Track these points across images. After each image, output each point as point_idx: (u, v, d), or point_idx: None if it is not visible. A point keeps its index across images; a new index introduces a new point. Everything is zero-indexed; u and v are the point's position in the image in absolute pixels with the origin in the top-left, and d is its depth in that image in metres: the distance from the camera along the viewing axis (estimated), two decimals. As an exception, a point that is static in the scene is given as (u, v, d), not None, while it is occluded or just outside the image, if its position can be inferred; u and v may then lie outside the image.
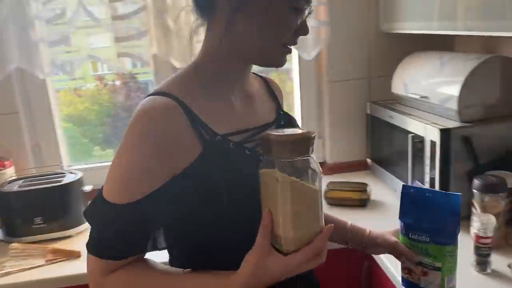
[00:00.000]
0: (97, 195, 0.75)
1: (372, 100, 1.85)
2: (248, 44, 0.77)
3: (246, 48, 0.77)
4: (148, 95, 0.77)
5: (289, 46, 0.79)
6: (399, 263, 0.96)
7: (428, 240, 0.87)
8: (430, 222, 0.87)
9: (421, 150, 1.42)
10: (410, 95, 1.59)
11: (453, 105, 1.36)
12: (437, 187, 1.36)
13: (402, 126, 1.54)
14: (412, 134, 1.44)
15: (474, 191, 1.23)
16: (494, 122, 1.37)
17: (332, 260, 0.89)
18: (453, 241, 0.87)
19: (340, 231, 1.01)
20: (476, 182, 1.23)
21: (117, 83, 1.97)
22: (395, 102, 1.73)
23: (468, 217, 1.29)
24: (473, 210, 1.25)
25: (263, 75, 1.00)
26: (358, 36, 1.82)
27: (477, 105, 1.36)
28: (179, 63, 1.61)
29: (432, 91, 1.48)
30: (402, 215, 0.92)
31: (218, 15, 0.76)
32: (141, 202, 0.71)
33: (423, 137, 1.40)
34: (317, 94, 1.91)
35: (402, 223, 0.92)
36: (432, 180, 1.38)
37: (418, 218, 0.89)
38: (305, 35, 0.79)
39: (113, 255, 0.73)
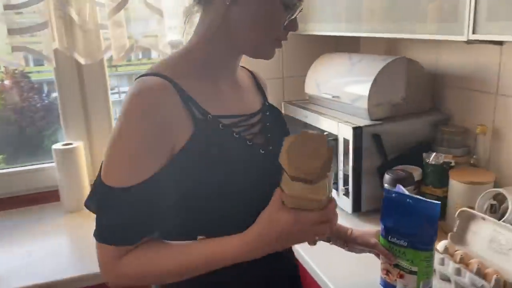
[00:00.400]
0: (97, 183, 0.74)
1: (286, 100, 1.89)
2: (241, 35, 0.80)
3: (239, 39, 0.80)
4: (138, 77, 0.77)
5: (279, 41, 0.82)
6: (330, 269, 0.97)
7: (406, 245, 0.90)
8: (408, 228, 0.89)
9: (335, 147, 1.47)
10: (322, 95, 1.64)
11: (363, 104, 1.42)
12: (350, 183, 1.42)
13: (317, 125, 1.58)
14: (327, 133, 1.49)
15: (386, 185, 1.30)
16: (399, 120, 1.46)
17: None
18: (430, 247, 0.91)
19: None
20: (387, 176, 1.30)
21: (6, 82, 1.77)
22: (309, 102, 1.78)
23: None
24: (384, 203, 1.32)
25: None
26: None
27: (384, 104, 1.44)
28: (84, 59, 1.49)
29: (343, 91, 1.54)
30: (383, 218, 0.94)
31: (214, 5, 0.79)
32: (149, 182, 0.71)
33: (336, 135, 1.45)
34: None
35: (383, 226, 0.94)
36: (345, 176, 1.44)
37: (398, 222, 0.91)
38: (294, 31, 0.82)
39: (128, 240, 0.73)
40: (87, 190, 1.64)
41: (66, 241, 1.48)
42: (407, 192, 1.10)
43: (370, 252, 1.01)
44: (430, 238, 0.92)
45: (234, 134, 0.81)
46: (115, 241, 0.73)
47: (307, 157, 0.65)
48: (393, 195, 1.00)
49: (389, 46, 1.80)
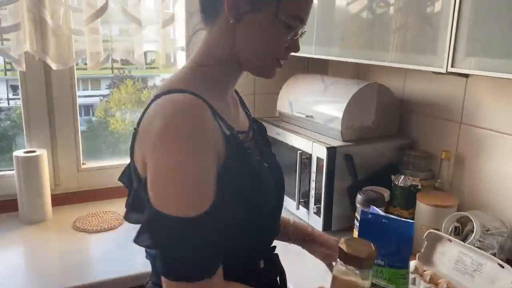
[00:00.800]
0: (153, 215, 0.69)
1: (257, 116, 1.90)
2: (245, 54, 0.81)
3: (243, 57, 0.82)
4: (161, 94, 0.74)
5: (280, 61, 0.84)
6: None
7: (383, 264, 0.92)
8: (385, 247, 0.91)
9: (307, 166, 1.50)
10: (295, 113, 1.68)
11: (337, 125, 1.47)
12: (322, 201, 1.45)
13: (289, 143, 1.60)
14: (300, 151, 1.52)
15: (358, 205, 1.34)
16: (369, 142, 1.52)
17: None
18: (406, 265, 0.94)
19: (283, 227, 1.06)
20: (359, 197, 1.34)
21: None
22: (280, 119, 1.81)
23: (350, 229, 1.41)
24: (356, 222, 1.36)
25: None
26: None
27: (356, 126, 1.49)
28: (56, 65, 1.43)
29: (316, 111, 1.58)
30: (360, 237, 0.95)
31: (220, 23, 0.80)
32: (214, 205, 0.69)
33: (310, 154, 1.49)
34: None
35: None
36: (317, 195, 1.47)
37: (374, 241, 0.93)
38: (296, 52, 0.85)
39: (205, 273, 0.69)
40: (48, 201, 1.57)
41: (23, 256, 1.39)
42: (382, 213, 1.14)
43: (325, 256, 1.06)
44: (407, 256, 0.96)
45: (248, 150, 0.83)
46: (192, 276, 0.68)
47: (360, 246, 0.79)
48: (369, 216, 1.03)
49: (357, 70, 1.88)
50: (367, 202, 1.33)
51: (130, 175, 0.84)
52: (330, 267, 1.10)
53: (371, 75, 1.80)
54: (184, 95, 0.72)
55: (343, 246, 0.80)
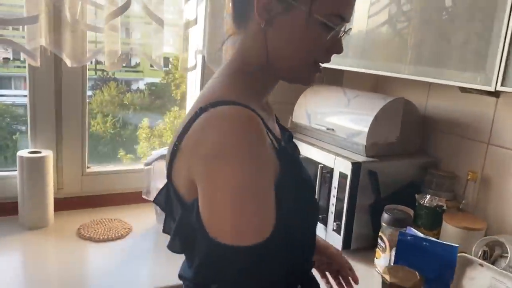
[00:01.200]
0: (212, 247, 0.61)
1: (270, 126, 1.84)
2: (278, 60, 0.75)
3: (276, 63, 0.75)
4: (207, 107, 0.66)
5: (320, 65, 0.76)
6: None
7: None
8: (425, 271, 0.86)
9: (328, 180, 1.44)
10: (314, 126, 1.62)
11: (361, 140, 1.42)
12: (343, 218, 1.39)
13: (307, 155, 1.55)
14: (321, 165, 1.46)
15: (383, 224, 1.29)
16: (392, 159, 1.47)
17: None
18: None
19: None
20: (385, 215, 1.29)
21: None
22: (295, 130, 1.75)
23: (371, 247, 1.35)
24: (380, 242, 1.30)
25: None
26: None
27: (381, 142, 1.45)
28: (71, 61, 1.35)
29: (338, 124, 1.52)
30: (398, 262, 0.90)
31: (251, 28, 0.75)
32: (277, 226, 0.63)
33: (332, 168, 1.43)
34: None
35: None
36: (337, 212, 1.41)
37: (413, 265, 0.88)
38: (338, 53, 0.75)
39: None
40: (51, 205, 1.47)
41: (22, 265, 1.27)
42: (420, 234, 1.09)
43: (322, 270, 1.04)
44: (448, 282, 0.91)
45: (299, 162, 0.80)
46: None
47: (405, 274, 0.79)
48: (408, 238, 0.98)
49: (376, 82, 1.84)
50: (395, 222, 1.28)
51: (168, 197, 0.76)
52: (324, 277, 1.06)
53: (391, 89, 1.76)
54: (236, 108, 0.66)
55: (386, 276, 0.77)
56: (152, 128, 1.87)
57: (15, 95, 2.27)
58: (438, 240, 0.95)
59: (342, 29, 0.75)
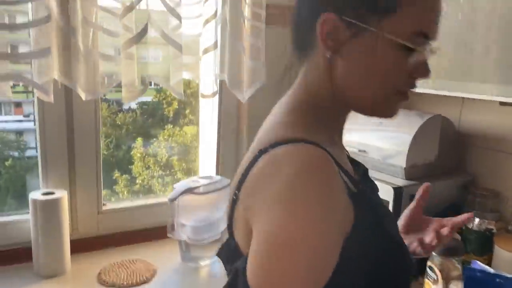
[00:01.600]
0: None
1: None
2: (352, 92, 0.65)
3: (348, 94, 0.66)
4: (268, 148, 0.59)
5: (404, 92, 0.66)
6: None
7: None
8: None
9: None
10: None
11: (399, 162, 1.33)
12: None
13: (339, 181, 1.45)
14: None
15: (434, 254, 1.19)
16: (432, 181, 1.37)
17: None
18: None
19: None
20: (436, 244, 1.19)
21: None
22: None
23: (415, 277, 1.26)
24: (430, 273, 1.20)
25: None
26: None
27: (420, 163, 1.36)
28: (85, 94, 1.25)
29: (372, 145, 1.43)
30: None
31: (315, 59, 0.66)
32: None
33: (370, 194, 1.33)
34: (236, 135, 1.71)
35: None
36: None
37: None
38: (424, 78, 0.65)
39: None
40: (67, 250, 1.35)
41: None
42: (490, 270, 1.00)
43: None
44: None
45: (379, 207, 0.70)
46: None
47: None
48: (478, 274, 0.89)
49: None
50: (445, 251, 1.18)
51: (229, 253, 0.67)
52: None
53: (422, 104, 1.67)
54: (303, 146, 0.57)
55: None
56: (147, 147, 1.82)
57: (5, 121, 2.18)
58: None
59: (428, 49, 0.63)
